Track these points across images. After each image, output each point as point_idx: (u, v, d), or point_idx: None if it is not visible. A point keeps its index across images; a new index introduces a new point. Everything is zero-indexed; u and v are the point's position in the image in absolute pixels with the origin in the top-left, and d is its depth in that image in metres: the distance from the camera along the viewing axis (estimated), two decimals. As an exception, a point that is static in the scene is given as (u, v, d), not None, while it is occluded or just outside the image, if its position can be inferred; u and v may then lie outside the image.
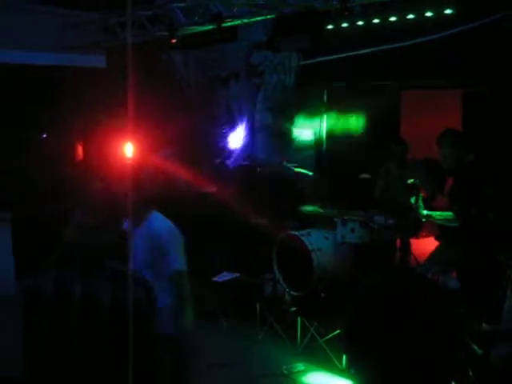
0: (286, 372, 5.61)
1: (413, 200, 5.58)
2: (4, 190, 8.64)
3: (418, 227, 6.39)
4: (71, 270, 2.28)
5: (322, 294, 6.23)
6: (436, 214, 5.45)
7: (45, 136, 9.30)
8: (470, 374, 4.67)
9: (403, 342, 1.33)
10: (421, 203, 5.56)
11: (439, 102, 7.45)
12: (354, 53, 6.93)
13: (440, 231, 5.71)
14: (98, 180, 5.02)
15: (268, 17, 6.51)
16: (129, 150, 8.71)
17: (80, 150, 9.36)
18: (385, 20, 6.35)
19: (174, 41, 7.08)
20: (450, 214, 5.31)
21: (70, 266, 2.30)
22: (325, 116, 8.33)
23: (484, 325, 4.51)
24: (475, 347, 4.61)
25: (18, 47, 8.18)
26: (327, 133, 8.36)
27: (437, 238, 5.79)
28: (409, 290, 1.40)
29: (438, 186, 5.87)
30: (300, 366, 5.72)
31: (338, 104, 8.10)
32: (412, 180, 5.75)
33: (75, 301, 2.23)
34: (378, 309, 1.38)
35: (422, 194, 5.62)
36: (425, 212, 5.50)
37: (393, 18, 6.30)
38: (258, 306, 6.38)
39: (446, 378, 1.38)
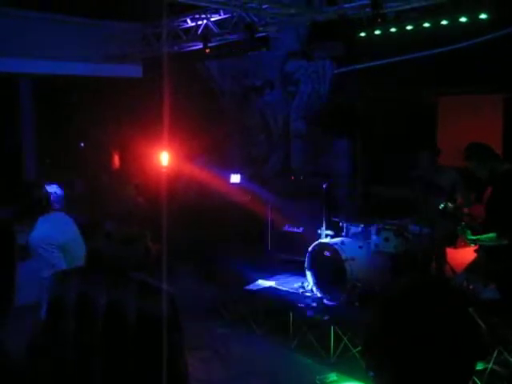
0: (318, 382, 5.55)
1: (459, 229, 5.46)
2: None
3: (454, 237, 6.27)
4: (97, 281, 2.29)
5: (356, 304, 6.16)
6: (483, 237, 5.31)
7: (82, 145, 9.48)
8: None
9: (421, 350, 1.31)
10: (467, 229, 5.43)
11: (478, 108, 7.31)
12: (388, 60, 6.86)
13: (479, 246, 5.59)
14: (131, 190, 5.09)
15: (300, 24, 6.49)
16: (164, 158, 8.89)
17: (116, 158, 9.51)
18: (418, 26, 6.27)
19: (208, 51, 7.15)
20: (493, 234, 5.18)
21: (96, 276, 2.31)
22: (360, 124, 8.26)
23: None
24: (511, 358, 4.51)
25: (57, 58, 8.38)
26: (362, 140, 8.28)
27: (476, 251, 5.67)
28: (428, 297, 1.38)
29: (477, 195, 5.76)
30: (333, 377, 5.65)
31: (374, 112, 8.02)
32: (443, 205, 5.66)
33: (100, 311, 2.24)
34: (398, 316, 1.37)
35: (464, 221, 5.50)
36: (473, 237, 5.38)
37: (426, 24, 6.22)
38: (291, 314, 6.35)
39: None
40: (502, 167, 5.30)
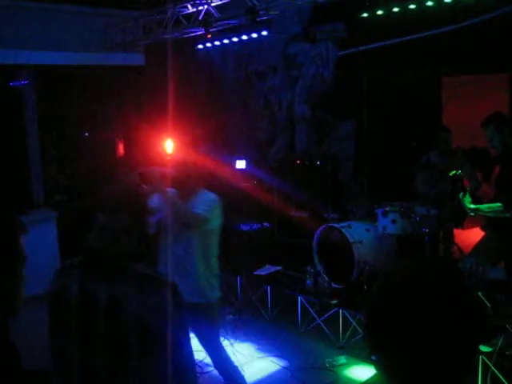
0: (328, 365, 5.57)
1: (460, 194, 5.44)
2: (50, 189, 8.85)
3: (461, 217, 6.24)
4: (96, 275, 2.28)
5: (364, 287, 6.16)
6: (484, 206, 5.25)
7: (87, 134, 9.47)
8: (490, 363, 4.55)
9: (424, 332, 1.30)
10: (468, 197, 5.41)
11: (483, 87, 7.24)
12: (392, 41, 6.79)
13: (486, 221, 5.55)
14: (134, 179, 5.05)
15: (302, 7, 6.43)
16: (169, 145, 8.85)
17: (121, 147, 9.50)
18: (421, 5, 6.19)
19: (209, 36, 7.10)
20: (498, 205, 5.13)
21: (95, 270, 2.30)
22: (365, 106, 8.21)
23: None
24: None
25: (59, 48, 8.35)
26: (368, 123, 8.23)
27: (483, 228, 5.63)
28: (431, 279, 1.36)
29: (485, 176, 5.72)
30: (342, 360, 5.67)
31: (378, 94, 7.97)
32: (454, 171, 5.60)
33: (101, 305, 2.23)
34: (401, 298, 1.35)
35: (468, 187, 5.47)
36: (472, 206, 5.34)
37: (429, 3, 6.14)
38: (299, 298, 6.35)
39: (465, 370, 1.35)
40: None
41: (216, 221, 4.21)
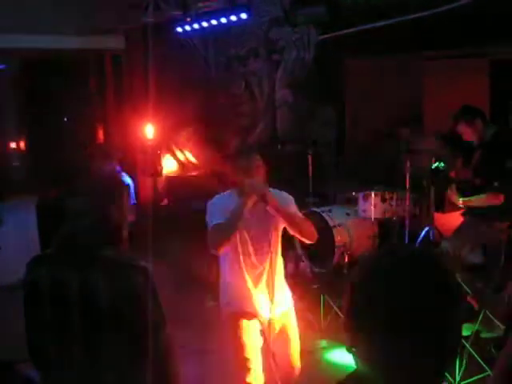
0: (308, 349, 5.60)
1: (447, 190, 5.48)
2: (29, 175, 8.76)
3: (442, 201, 6.27)
4: (68, 263, 2.26)
5: (345, 271, 6.18)
6: (473, 198, 5.31)
7: (66, 119, 9.37)
8: (493, 351, 4.60)
9: (404, 318, 1.27)
10: (458, 191, 5.45)
11: (464, 72, 7.25)
12: (373, 25, 6.75)
13: (466, 207, 5.59)
14: (113, 165, 5.02)
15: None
16: (149, 130, 8.80)
17: (100, 132, 9.41)
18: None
19: (188, 19, 7.03)
20: (483, 195, 5.19)
21: (67, 258, 2.28)
22: (345, 92, 8.19)
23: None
24: (498, 323, 4.54)
25: (39, 32, 8.22)
26: (349, 108, 8.22)
27: (463, 214, 5.67)
28: (410, 265, 1.34)
29: (466, 160, 5.74)
30: (323, 343, 5.70)
31: (360, 78, 7.94)
32: (437, 164, 5.62)
33: (72, 293, 2.21)
34: (376, 287, 1.33)
35: (455, 180, 5.51)
36: (461, 200, 5.39)
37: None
38: (280, 283, 6.35)
39: (449, 359, 1.33)
40: (489, 131, 5.30)
41: None
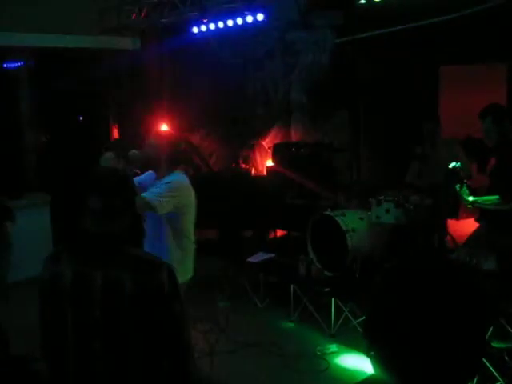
0: (319, 353, 5.58)
1: (457, 186, 5.41)
2: (44, 172, 8.81)
3: (456, 208, 6.22)
4: (90, 259, 2.26)
5: (357, 275, 6.15)
6: (482, 199, 5.23)
7: (81, 118, 9.41)
8: (506, 358, 4.55)
9: (425, 326, 1.26)
10: (465, 189, 5.37)
11: (481, 77, 7.21)
12: (389, 29, 6.73)
13: (480, 213, 5.53)
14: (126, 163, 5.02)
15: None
16: (164, 130, 8.79)
17: (115, 131, 9.45)
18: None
19: (205, 20, 7.04)
20: (496, 197, 5.10)
21: (89, 254, 2.27)
22: (361, 95, 8.17)
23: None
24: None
25: (54, 31, 8.27)
26: (363, 112, 8.20)
27: (477, 220, 5.62)
28: (434, 273, 1.33)
29: (480, 166, 5.69)
30: (333, 348, 5.68)
31: (375, 82, 7.92)
32: (454, 164, 5.56)
33: (96, 289, 2.20)
34: (397, 298, 1.32)
35: (466, 180, 5.44)
36: (470, 198, 5.31)
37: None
38: (292, 286, 6.35)
39: (469, 372, 1.32)
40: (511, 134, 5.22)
41: (181, 204, 4.10)
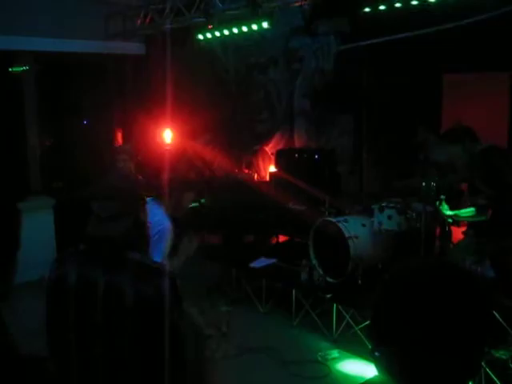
0: (320, 359, 5.60)
1: (437, 203, 5.55)
2: (47, 176, 8.84)
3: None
4: (94, 262, 2.28)
5: (359, 282, 6.16)
6: (460, 212, 5.40)
7: (86, 122, 9.45)
8: (510, 365, 4.56)
9: (432, 329, 1.28)
10: (444, 204, 5.51)
11: (484, 86, 7.22)
12: (393, 37, 6.75)
13: (468, 223, 5.62)
14: (131, 168, 5.06)
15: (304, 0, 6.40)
16: (168, 136, 8.86)
17: (120, 136, 9.49)
18: (424, 2, 6.16)
19: (210, 26, 7.08)
20: (471, 209, 5.28)
21: (94, 258, 2.30)
22: (364, 101, 8.19)
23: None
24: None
25: (60, 36, 8.32)
26: (367, 118, 8.22)
27: (464, 233, 5.68)
28: (438, 279, 1.34)
29: None
30: (335, 353, 5.69)
31: (378, 89, 7.94)
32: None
33: (99, 293, 2.22)
34: (403, 300, 1.33)
35: (443, 196, 5.58)
36: (449, 212, 5.45)
37: (432, 0, 6.11)
38: (293, 292, 6.36)
39: (470, 373, 1.33)
40: (476, 148, 5.38)
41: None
